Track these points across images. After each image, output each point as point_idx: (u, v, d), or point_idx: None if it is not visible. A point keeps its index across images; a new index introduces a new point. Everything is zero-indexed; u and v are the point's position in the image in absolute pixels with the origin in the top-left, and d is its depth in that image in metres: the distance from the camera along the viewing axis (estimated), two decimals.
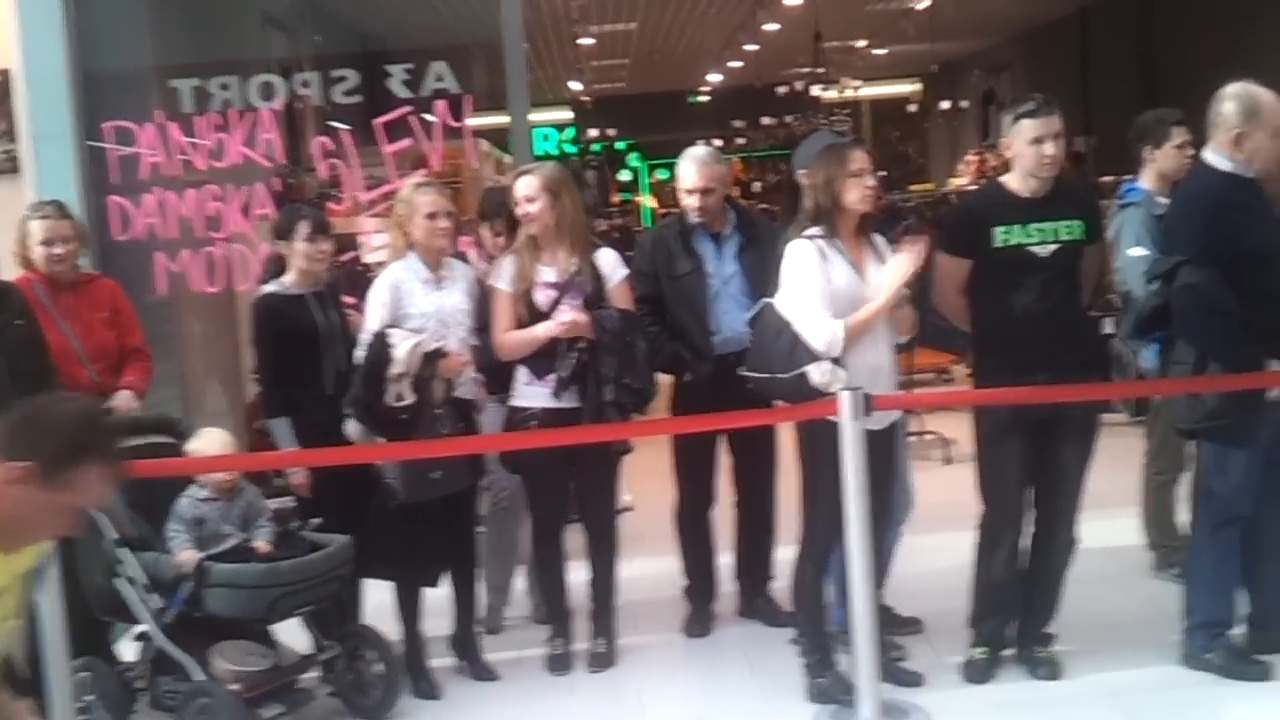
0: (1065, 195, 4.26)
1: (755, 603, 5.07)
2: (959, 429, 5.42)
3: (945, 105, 21.32)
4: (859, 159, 4.11)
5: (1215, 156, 4.21)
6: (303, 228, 4.53)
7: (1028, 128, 4.17)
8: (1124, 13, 14.27)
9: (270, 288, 4.57)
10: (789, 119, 20.76)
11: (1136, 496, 5.25)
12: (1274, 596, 4.36)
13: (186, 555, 4.04)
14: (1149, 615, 4.63)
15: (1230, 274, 4.02)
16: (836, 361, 4.03)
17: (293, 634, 4.35)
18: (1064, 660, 4.38)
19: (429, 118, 5.79)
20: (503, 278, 4.59)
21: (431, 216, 4.51)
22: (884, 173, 18.53)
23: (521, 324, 4.53)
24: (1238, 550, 4.26)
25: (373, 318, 4.46)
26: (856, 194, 4.09)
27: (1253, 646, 4.32)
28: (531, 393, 4.55)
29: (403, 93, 5.85)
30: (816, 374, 4.02)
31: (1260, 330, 4.04)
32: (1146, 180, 4.97)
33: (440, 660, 4.68)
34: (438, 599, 4.66)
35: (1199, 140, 4.35)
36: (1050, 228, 4.19)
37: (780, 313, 4.13)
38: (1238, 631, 4.34)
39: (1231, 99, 4.19)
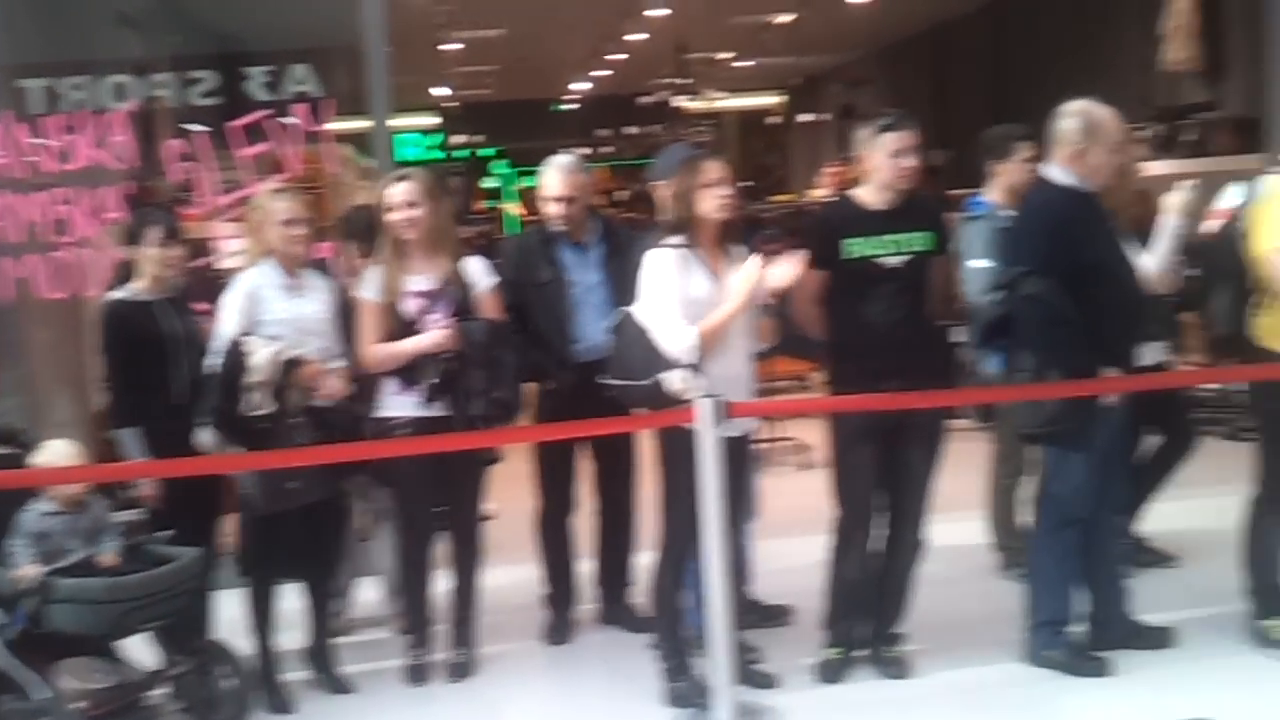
0: (914, 208, 4.37)
1: (615, 609, 5.10)
2: (816, 435, 5.53)
3: (808, 118, 21.69)
4: (714, 170, 4.16)
5: (1056, 172, 4.38)
6: (154, 232, 4.44)
7: (888, 141, 4.27)
8: (976, 30, 14.70)
9: (119, 294, 4.47)
10: (655, 128, 20.92)
11: (984, 499, 5.42)
12: (1111, 595, 4.55)
13: (29, 570, 3.92)
14: (995, 614, 4.76)
15: (1070, 285, 4.17)
16: (694, 369, 4.09)
17: (141, 650, 4.25)
18: (914, 659, 4.50)
19: (288, 121, 5.71)
20: (369, 288, 4.55)
21: (288, 223, 4.46)
22: (750, 183, 18.78)
23: (390, 335, 4.50)
24: (1077, 550, 4.42)
25: (227, 325, 4.38)
26: (711, 204, 4.14)
27: (1092, 643, 4.49)
28: (400, 402, 4.51)
29: (262, 95, 5.77)
30: (674, 381, 4.08)
31: (1097, 339, 4.20)
32: (992, 194, 5.14)
33: (296, 674, 4.61)
34: (291, 611, 4.59)
35: (1047, 155, 4.51)
36: (899, 240, 4.31)
37: (639, 321, 4.18)
38: (1078, 629, 4.50)
39: (1072, 116, 4.36)
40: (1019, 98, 12.51)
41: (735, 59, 18.12)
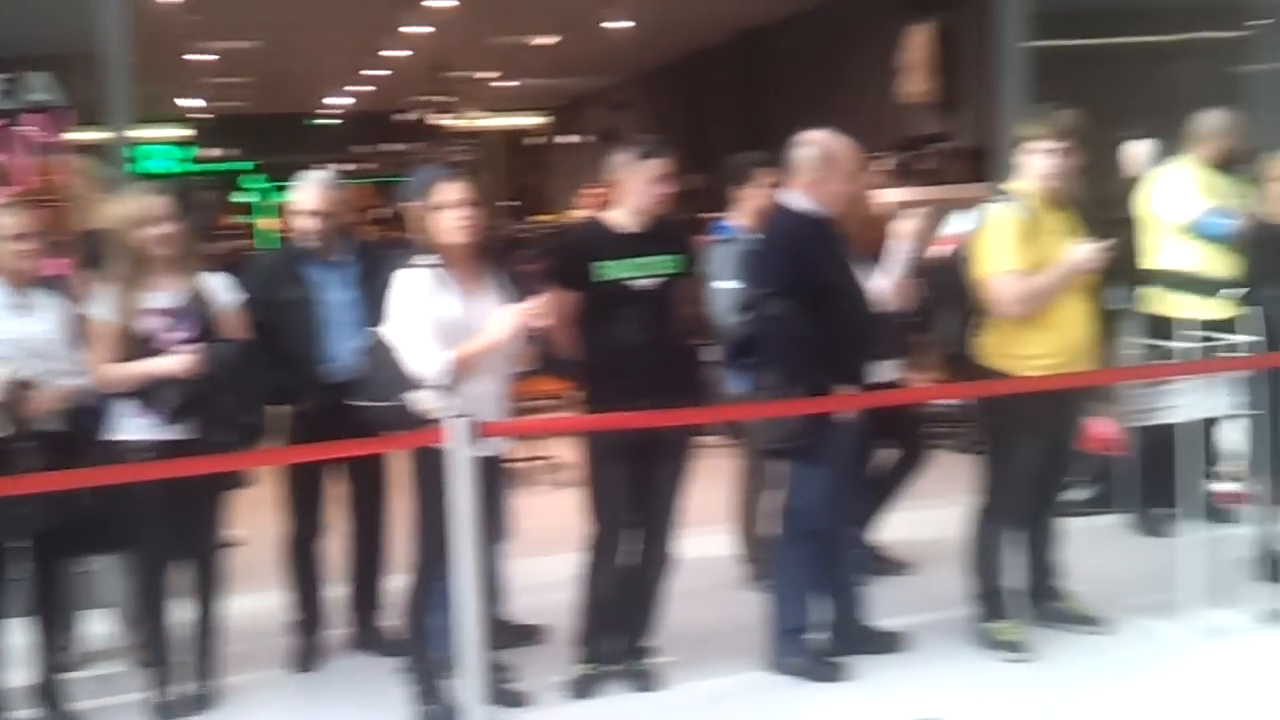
0: (663, 231, 4.47)
1: (366, 633, 5.03)
2: (571, 453, 5.59)
3: (572, 139, 21.92)
4: (455, 191, 4.16)
5: (794, 198, 4.57)
6: None
7: (647, 167, 4.36)
8: (731, 57, 15.15)
9: None
10: (418, 146, 20.77)
11: (732, 512, 5.58)
12: (847, 602, 4.75)
13: None
14: (742, 624, 4.86)
15: (808, 306, 4.35)
16: (445, 389, 4.08)
17: None
18: (664, 671, 4.59)
19: (22, 131, 5.46)
20: (102, 306, 4.37)
21: (17, 238, 4.26)
22: (513, 203, 18.83)
23: (128, 354, 4.32)
24: (817, 561, 4.61)
25: None
26: (453, 225, 4.14)
27: (830, 649, 4.68)
28: (138, 425, 4.35)
29: None
30: (425, 402, 4.06)
31: (833, 357, 4.40)
32: (737, 218, 5.32)
33: (23, 713, 4.36)
34: (17, 646, 4.37)
35: (788, 181, 4.68)
36: (649, 262, 4.40)
37: (388, 341, 4.15)
38: (818, 636, 4.68)
39: (809, 146, 4.56)
40: (771, 124, 12.96)
41: (498, 79, 18.18)
